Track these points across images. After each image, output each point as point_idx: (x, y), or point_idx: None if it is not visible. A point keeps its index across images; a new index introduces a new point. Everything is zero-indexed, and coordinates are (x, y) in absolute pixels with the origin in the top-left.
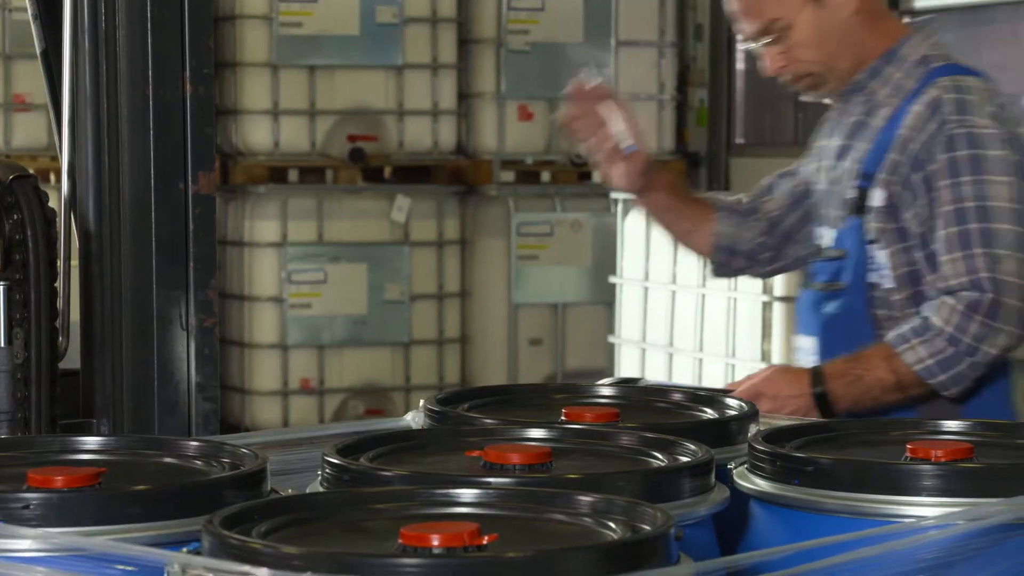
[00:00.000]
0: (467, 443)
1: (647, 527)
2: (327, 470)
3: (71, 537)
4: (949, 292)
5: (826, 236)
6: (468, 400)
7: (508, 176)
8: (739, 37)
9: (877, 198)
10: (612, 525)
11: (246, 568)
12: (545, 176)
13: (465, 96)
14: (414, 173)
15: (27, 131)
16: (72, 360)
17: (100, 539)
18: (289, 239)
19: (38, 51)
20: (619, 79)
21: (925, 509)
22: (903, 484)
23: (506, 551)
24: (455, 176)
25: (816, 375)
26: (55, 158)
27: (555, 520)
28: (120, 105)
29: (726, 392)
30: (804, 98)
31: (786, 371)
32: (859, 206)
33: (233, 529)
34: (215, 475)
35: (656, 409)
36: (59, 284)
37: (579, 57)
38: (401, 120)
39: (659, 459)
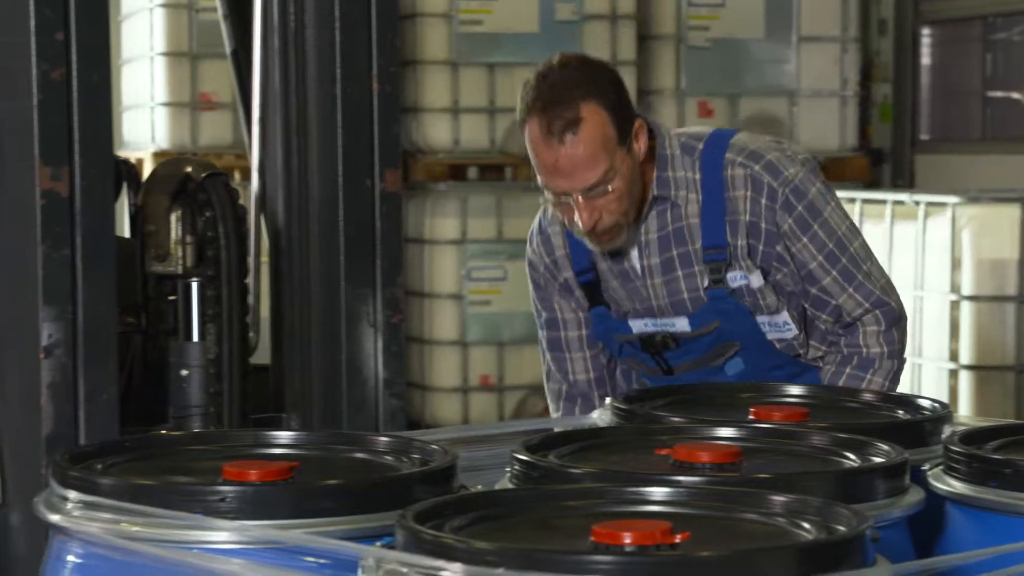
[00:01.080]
0: (655, 441)
1: (842, 528)
2: (516, 467)
3: (267, 530)
4: (861, 320)
5: (678, 322)
6: (655, 398)
7: None
8: (549, 197)
9: (738, 280)
10: (806, 525)
11: (440, 563)
12: None
13: (645, 93)
14: None
15: (213, 130)
16: (262, 356)
17: (296, 532)
18: (469, 236)
19: (228, 51)
20: (801, 75)
21: None
22: None
23: (699, 550)
24: None
25: None
26: (240, 156)
27: (747, 520)
28: (309, 103)
29: None
30: (599, 249)
31: None
32: (718, 280)
33: (426, 524)
34: (406, 471)
35: (846, 409)
36: (249, 281)
37: (761, 53)
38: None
39: (851, 460)
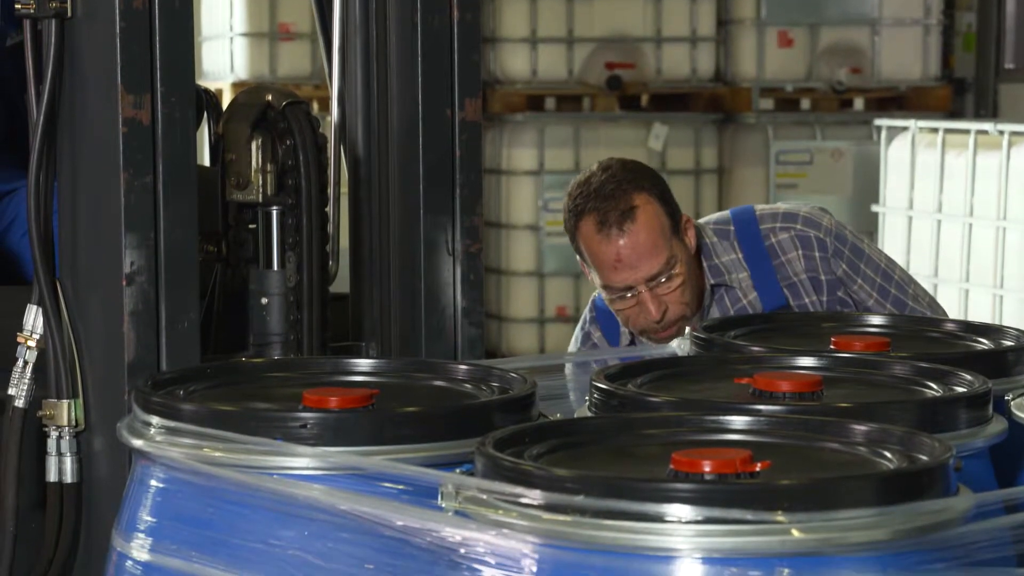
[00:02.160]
0: (735, 371)
1: (925, 457)
2: (596, 395)
3: (347, 456)
4: None
5: None
6: (734, 328)
7: (767, 103)
8: (607, 297)
9: None
10: (887, 455)
11: (519, 490)
12: (805, 103)
13: (724, 22)
14: (671, 101)
15: (291, 60)
16: (341, 284)
17: (376, 459)
18: (546, 167)
19: None
20: (883, 3)
21: None
22: None
23: (779, 478)
24: (713, 104)
25: None
26: (318, 86)
27: (828, 449)
28: (389, 32)
29: None
30: (653, 343)
31: None
32: None
33: (505, 451)
34: (486, 398)
35: (928, 339)
36: (329, 210)
37: None
38: (659, 47)
39: (934, 389)
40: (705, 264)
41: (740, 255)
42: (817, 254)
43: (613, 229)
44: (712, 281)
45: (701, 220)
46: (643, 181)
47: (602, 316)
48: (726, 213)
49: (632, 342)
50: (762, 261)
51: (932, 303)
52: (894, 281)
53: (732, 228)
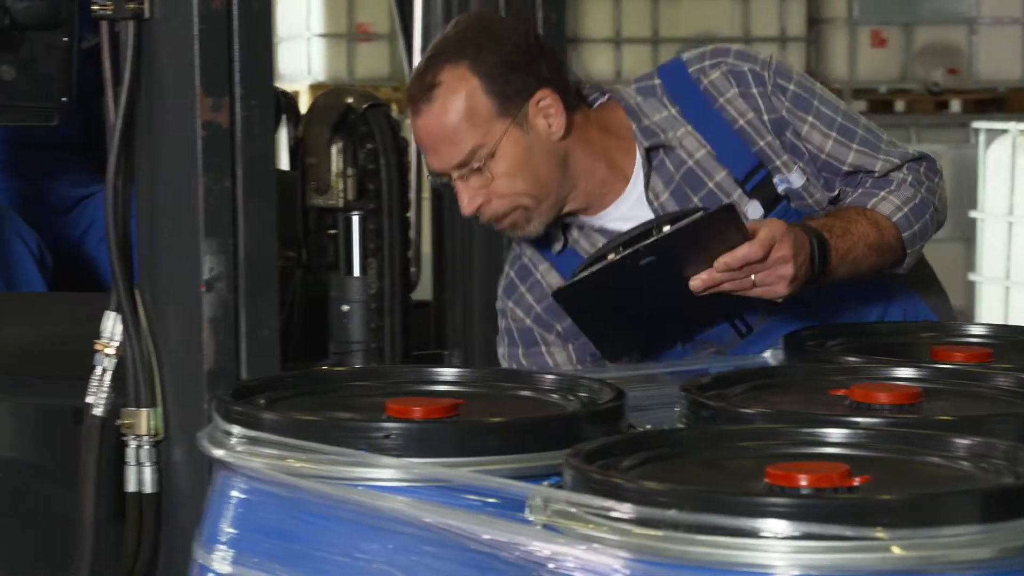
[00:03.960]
0: (831, 382)
1: None
2: (686, 407)
3: (433, 468)
4: (892, 172)
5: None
6: (829, 337)
7: (860, 105)
8: (428, 175)
9: (791, 179)
10: (992, 469)
11: (610, 503)
12: (900, 105)
13: (815, 22)
14: None
15: (369, 61)
16: (423, 291)
17: (463, 471)
18: None
19: None
20: (981, 3)
21: None
22: None
23: (879, 493)
24: None
25: (805, 227)
26: (397, 88)
27: (929, 463)
28: None
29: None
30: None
31: (784, 222)
32: (773, 198)
33: (595, 464)
34: (573, 409)
35: None
36: (411, 214)
37: None
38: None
39: None
40: (634, 127)
41: (675, 109)
42: (755, 90)
43: (412, 107)
44: (646, 143)
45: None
46: (474, 49)
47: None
48: (651, 70)
49: (564, 247)
50: (704, 108)
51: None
52: (861, 123)
53: (658, 82)
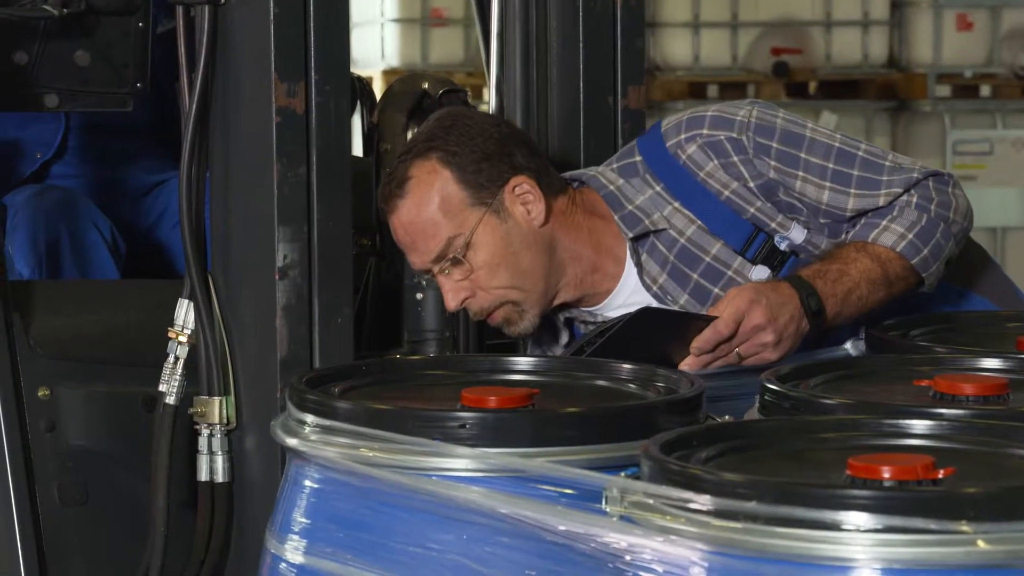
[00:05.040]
0: (914, 372)
1: None
2: (767, 397)
3: (509, 458)
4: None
5: None
6: (912, 327)
7: (944, 90)
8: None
9: (793, 236)
10: None
11: (689, 495)
12: (985, 90)
13: (898, 5)
14: (841, 88)
15: (443, 46)
16: None
17: (539, 461)
18: None
19: None
20: None
21: None
22: None
23: (964, 486)
24: (885, 91)
25: (794, 279)
26: (472, 74)
27: (1015, 455)
28: (549, 17)
29: (708, 318)
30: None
31: (760, 284)
32: (779, 262)
33: (673, 455)
34: (651, 399)
35: None
36: None
37: None
38: (829, 32)
39: None
40: (616, 218)
41: (659, 187)
42: (735, 158)
43: (386, 206)
44: (630, 234)
45: (602, 165)
46: (441, 141)
47: None
48: (632, 143)
49: (571, 341)
50: (689, 182)
51: (922, 166)
52: (858, 158)
53: (639, 159)
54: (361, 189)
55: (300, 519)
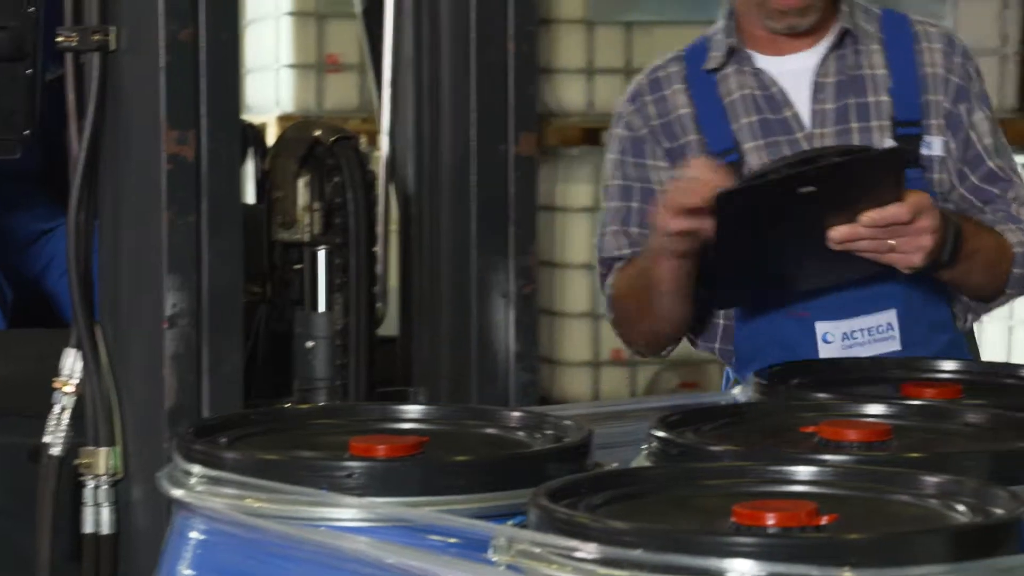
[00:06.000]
0: (800, 419)
1: (999, 510)
2: (654, 444)
3: (395, 507)
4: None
5: None
6: (798, 374)
7: None
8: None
9: (936, 146)
10: (960, 508)
11: (575, 543)
12: None
13: None
14: None
15: (339, 92)
16: (389, 327)
17: (425, 510)
18: (602, 204)
19: (358, 10)
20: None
21: None
22: None
23: (847, 532)
24: None
25: (947, 212)
26: (366, 120)
27: (898, 501)
28: (442, 63)
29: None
30: (778, 27)
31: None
32: (913, 158)
33: (560, 503)
34: (539, 447)
35: (1003, 386)
36: (378, 249)
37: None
38: None
39: (1009, 439)
40: (839, 9)
41: (882, 35)
42: (957, 58)
43: None
44: (846, 25)
45: None
46: None
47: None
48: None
49: (718, 69)
50: (905, 47)
51: None
52: (1008, 153)
53: (879, 12)
54: (252, 236)
55: (185, 571)
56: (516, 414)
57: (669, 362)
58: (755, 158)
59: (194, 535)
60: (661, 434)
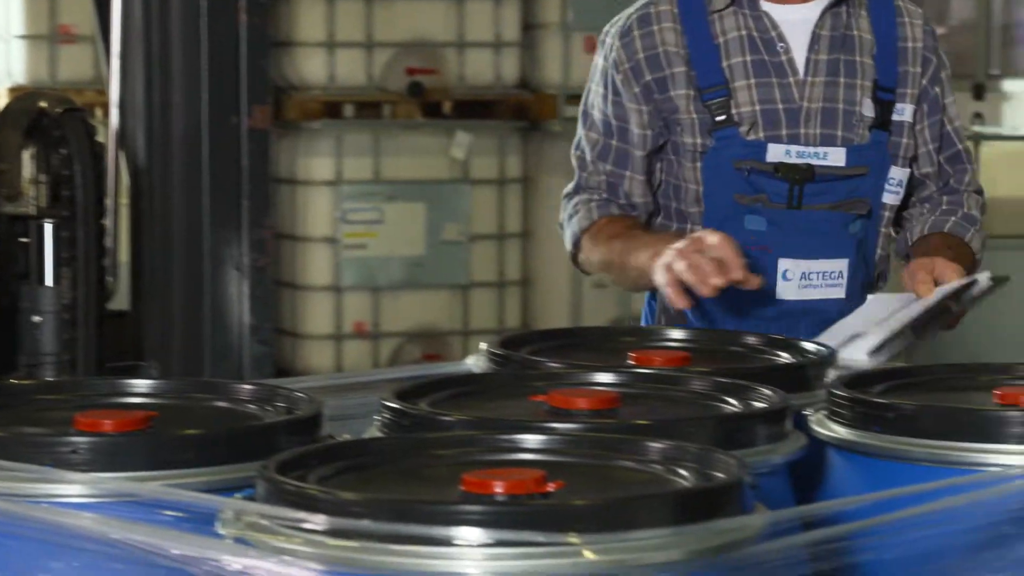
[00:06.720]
0: (531, 388)
1: (720, 475)
2: (385, 415)
3: (121, 483)
4: (966, 192)
5: (832, 154)
6: (531, 344)
7: (573, 111)
8: None
9: (906, 113)
10: (683, 473)
11: (302, 515)
12: None
13: (529, 27)
14: (475, 108)
15: (73, 64)
16: (121, 301)
17: (151, 485)
18: (344, 177)
19: None
20: None
21: (1013, 457)
22: (990, 431)
23: (573, 499)
24: (518, 111)
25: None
26: (102, 92)
27: (623, 467)
28: (172, 37)
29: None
30: None
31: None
32: (883, 121)
33: (289, 475)
34: (269, 420)
35: (729, 353)
36: (107, 222)
37: None
38: (462, 53)
39: (732, 405)
40: None
41: (865, 12)
42: (931, 42)
43: None
44: None
45: None
46: None
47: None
48: None
49: (725, 7)
50: (889, 19)
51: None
52: (964, 138)
53: None
54: None
55: None
56: (247, 387)
57: (412, 334)
58: (744, 96)
59: None
60: (393, 405)
